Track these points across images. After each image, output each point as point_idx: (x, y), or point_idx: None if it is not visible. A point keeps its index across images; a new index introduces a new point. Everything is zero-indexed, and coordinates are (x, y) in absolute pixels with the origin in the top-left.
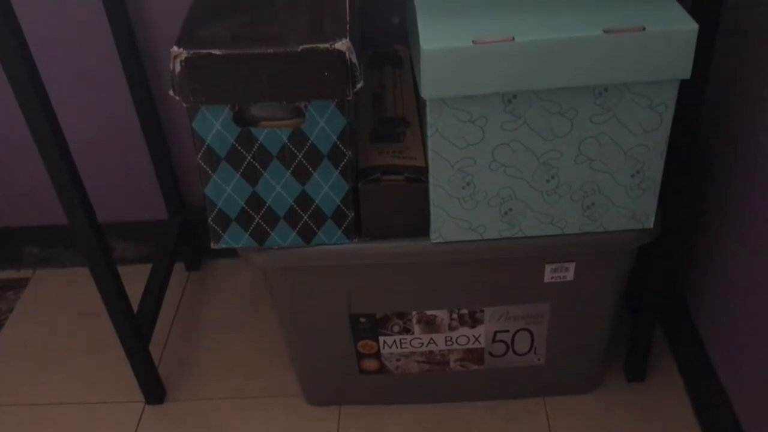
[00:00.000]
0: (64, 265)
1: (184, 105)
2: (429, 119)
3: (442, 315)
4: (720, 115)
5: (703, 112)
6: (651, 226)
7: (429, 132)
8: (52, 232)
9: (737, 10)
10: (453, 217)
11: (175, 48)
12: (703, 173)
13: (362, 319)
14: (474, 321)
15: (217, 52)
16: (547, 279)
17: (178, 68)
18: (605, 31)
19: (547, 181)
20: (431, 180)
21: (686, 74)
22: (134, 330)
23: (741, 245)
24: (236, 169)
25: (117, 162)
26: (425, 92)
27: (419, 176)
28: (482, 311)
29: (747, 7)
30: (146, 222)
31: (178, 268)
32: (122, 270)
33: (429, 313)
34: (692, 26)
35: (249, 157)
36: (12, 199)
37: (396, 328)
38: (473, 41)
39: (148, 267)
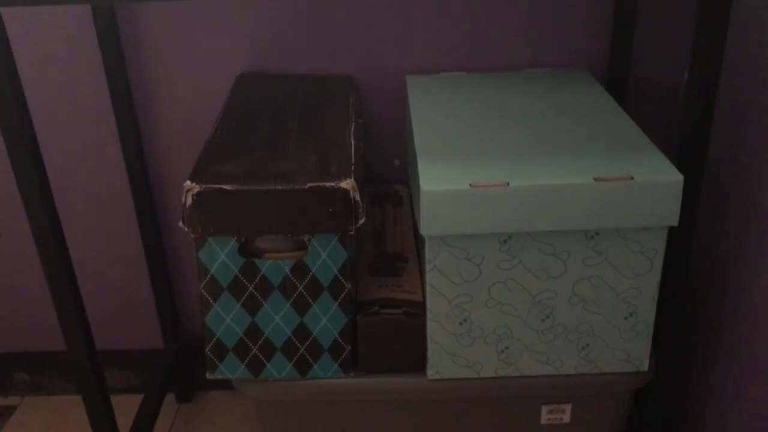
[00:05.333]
0: (54, 393)
1: (192, 236)
2: (427, 256)
3: None
4: (711, 260)
5: (694, 257)
6: (645, 369)
7: (427, 268)
8: (43, 358)
9: (721, 162)
10: (450, 354)
11: (188, 182)
12: (697, 317)
13: None
14: None
15: (227, 187)
16: (543, 421)
17: (189, 201)
18: (596, 179)
19: (543, 320)
20: (429, 315)
21: (674, 221)
22: None
23: (737, 390)
24: (237, 299)
25: (117, 288)
26: (424, 230)
27: (417, 311)
28: None
29: (729, 160)
30: (141, 350)
31: (169, 398)
32: (113, 399)
33: None
34: (678, 177)
35: (251, 288)
36: (3, 324)
37: None
38: (470, 184)
39: (139, 397)
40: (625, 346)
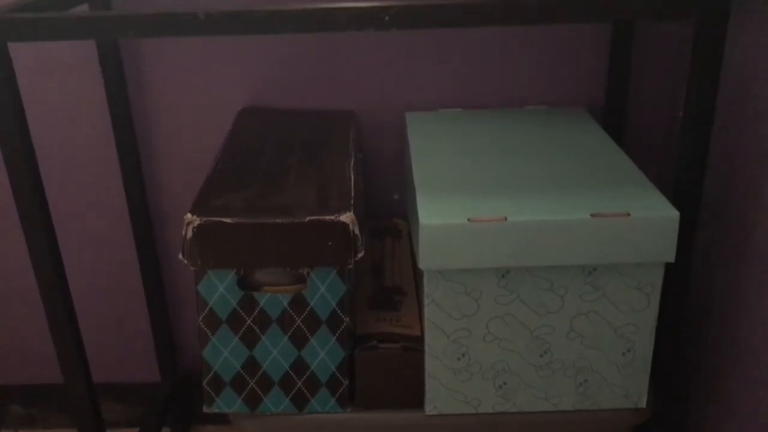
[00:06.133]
0: (49, 426)
1: (192, 269)
2: (426, 290)
3: None
4: (709, 295)
5: (692, 292)
6: (644, 405)
7: (426, 302)
8: (38, 391)
9: (717, 199)
10: (448, 389)
11: (188, 215)
12: (696, 353)
13: None
14: None
15: (227, 220)
16: None
17: (189, 234)
18: (592, 215)
19: (541, 355)
20: (427, 350)
21: (670, 258)
22: None
23: (737, 427)
24: (236, 332)
25: (115, 321)
26: (423, 264)
27: (415, 346)
28: None
29: (726, 197)
30: (137, 384)
31: None
32: None
33: None
34: (674, 213)
35: (249, 321)
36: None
37: None
38: (468, 219)
39: (135, 431)
40: (623, 383)
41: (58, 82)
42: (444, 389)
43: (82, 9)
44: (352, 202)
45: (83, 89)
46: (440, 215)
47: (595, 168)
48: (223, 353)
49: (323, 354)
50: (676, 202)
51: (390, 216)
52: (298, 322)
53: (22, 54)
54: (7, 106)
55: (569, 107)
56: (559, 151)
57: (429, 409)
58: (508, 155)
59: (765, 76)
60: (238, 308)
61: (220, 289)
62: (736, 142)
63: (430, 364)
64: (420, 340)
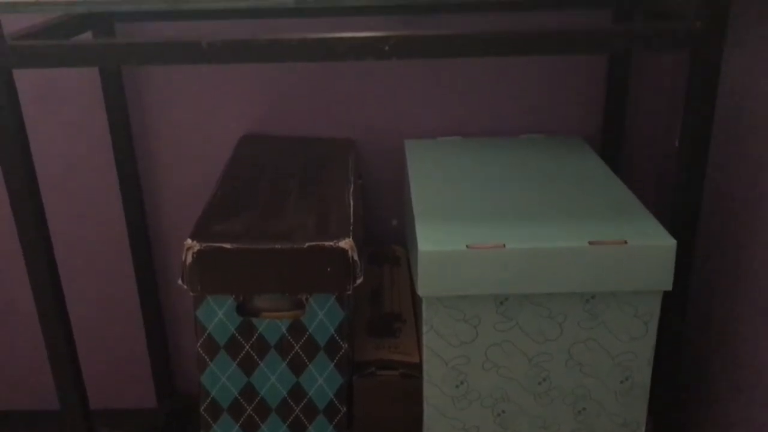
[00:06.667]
0: None
1: (191, 294)
2: (425, 316)
3: None
4: (705, 324)
5: (691, 319)
6: None
7: (424, 329)
8: (34, 417)
9: (714, 227)
10: (446, 417)
11: (188, 241)
12: (694, 381)
13: None
14: None
15: (227, 245)
16: None
17: (189, 259)
18: (590, 243)
19: (539, 383)
20: (425, 377)
21: (668, 286)
22: None
23: None
24: (234, 358)
25: (112, 346)
26: (421, 290)
27: (414, 373)
28: None
29: (722, 225)
30: (134, 410)
31: None
32: None
33: None
34: (671, 242)
35: (247, 347)
36: None
37: None
38: (467, 245)
39: None
40: (621, 411)
41: (61, 108)
42: (442, 417)
43: (86, 37)
44: (351, 228)
45: (85, 115)
46: (439, 242)
47: (592, 196)
48: (221, 379)
49: (321, 381)
50: (673, 231)
51: (388, 242)
52: (297, 348)
53: (26, 79)
54: (10, 132)
55: (567, 136)
56: (556, 179)
57: None
58: (506, 183)
59: (759, 105)
60: (237, 334)
61: (218, 314)
62: (731, 170)
63: (428, 392)
64: (418, 367)
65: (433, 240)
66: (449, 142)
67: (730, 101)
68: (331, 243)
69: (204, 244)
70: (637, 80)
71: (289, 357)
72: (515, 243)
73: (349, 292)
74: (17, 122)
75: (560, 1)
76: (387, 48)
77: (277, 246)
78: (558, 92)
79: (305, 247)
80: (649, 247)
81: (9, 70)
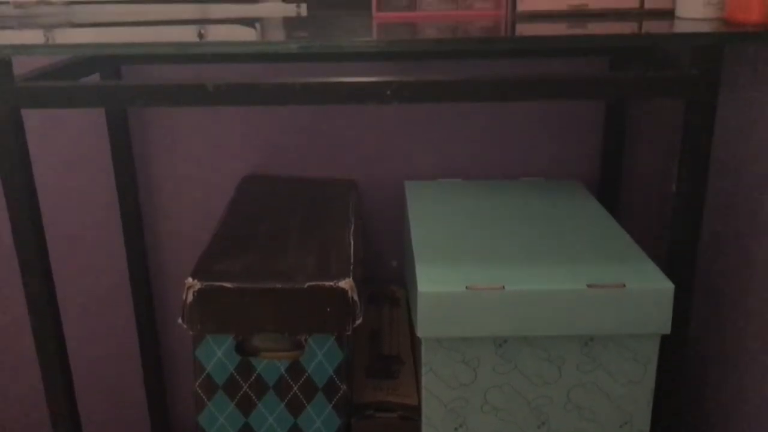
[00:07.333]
0: None
1: (190, 333)
2: (424, 358)
3: None
4: (704, 367)
5: (689, 364)
6: None
7: (423, 370)
8: None
9: (712, 271)
10: None
11: (189, 280)
12: (693, 426)
13: None
14: None
15: (228, 285)
16: None
17: (190, 298)
18: (589, 286)
19: (538, 426)
20: (424, 419)
21: (666, 329)
22: None
23: None
24: (232, 398)
25: (110, 386)
26: (421, 331)
27: (412, 415)
28: None
29: (720, 269)
30: None
31: None
32: None
33: None
34: (668, 285)
35: (245, 387)
36: None
37: None
38: (467, 287)
39: None
40: None
41: (66, 145)
42: None
43: (94, 78)
44: (351, 268)
45: (90, 154)
46: (439, 283)
47: (590, 239)
48: (219, 419)
49: (319, 422)
50: (670, 274)
51: (388, 283)
52: (295, 389)
53: (33, 119)
54: (17, 171)
55: (565, 179)
56: (555, 222)
57: None
58: (505, 225)
59: (754, 149)
60: (235, 374)
61: (217, 354)
62: (728, 212)
63: None
64: (417, 409)
65: (433, 281)
66: (449, 184)
67: (726, 145)
68: (332, 283)
69: (205, 283)
70: (634, 126)
71: (288, 398)
72: (514, 285)
73: (349, 333)
74: (24, 162)
75: (558, 49)
76: (389, 92)
77: (277, 285)
78: (557, 137)
79: (305, 286)
80: (646, 291)
81: (17, 110)
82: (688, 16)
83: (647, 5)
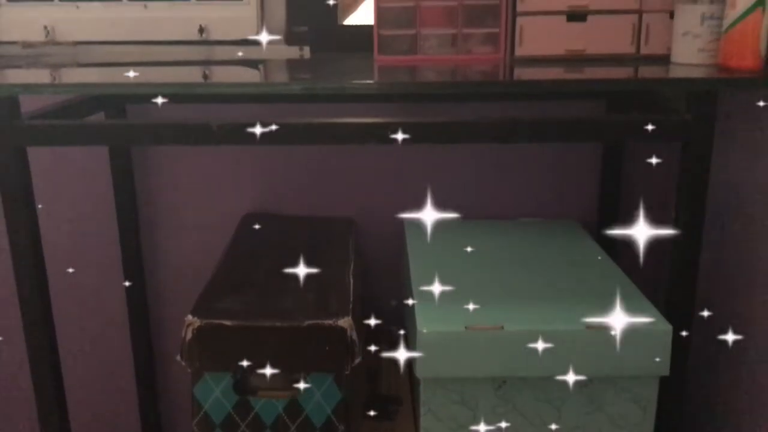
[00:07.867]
0: None
1: (189, 371)
2: (422, 398)
3: None
4: (704, 409)
5: (688, 406)
6: None
7: (422, 411)
8: None
9: (709, 311)
10: None
11: (189, 317)
12: None
13: None
14: None
15: (227, 322)
16: None
17: (189, 335)
18: (587, 327)
19: None
20: None
21: (665, 371)
22: None
23: None
24: None
25: (107, 424)
26: (420, 372)
27: None
28: None
29: (718, 309)
30: None
31: None
32: None
33: None
34: (666, 327)
35: (243, 426)
36: None
37: None
38: (466, 327)
39: None
40: None
41: (69, 182)
42: None
43: (99, 117)
44: (350, 306)
45: (93, 191)
46: (438, 322)
47: (589, 279)
48: None
49: None
50: (668, 316)
51: (387, 322)
52: (292, 428)
53: (38, 157)
54: (20, 209)
55: (563, 220)
56: (553, 262)
57: None
58: (504, 265)
59: (750, 190)
60: (233, 413)
61: (215, 392)
62: (725, 254)
63: None
64: None
65: (432, 321)
66: (448, 224)
67: (721, 186)
68: (331, 321)
69: (204, 321)
70: (630, 167)
71: None
72: (513, 325)
73: (347, 372)
74: (28, 200)
75: (556, 92)
76: (389, 133)
77: (276, 323)
78: (554, 177)
79: (304, 325)
80: (644, 332)
81: (23, 148)
82: (683, 61)
83: (643, 51)
